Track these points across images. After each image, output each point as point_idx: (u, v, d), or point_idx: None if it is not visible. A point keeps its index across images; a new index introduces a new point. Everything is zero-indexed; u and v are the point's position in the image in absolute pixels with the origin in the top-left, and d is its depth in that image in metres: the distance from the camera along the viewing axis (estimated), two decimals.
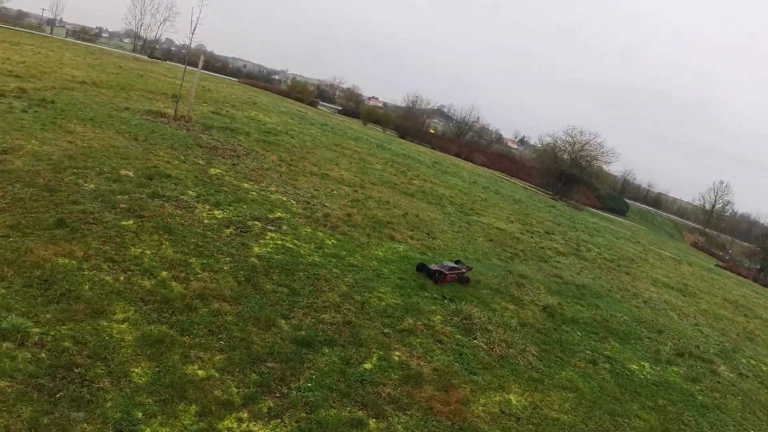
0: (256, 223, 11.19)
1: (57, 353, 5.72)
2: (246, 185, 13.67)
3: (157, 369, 6.01)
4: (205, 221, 10.42)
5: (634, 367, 10.57)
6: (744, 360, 13.87)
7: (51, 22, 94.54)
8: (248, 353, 6.83)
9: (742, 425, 9.72)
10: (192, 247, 9.12)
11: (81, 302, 6.67)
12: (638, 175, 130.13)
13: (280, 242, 10.58)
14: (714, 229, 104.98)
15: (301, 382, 6.62)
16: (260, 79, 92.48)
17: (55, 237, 7.96)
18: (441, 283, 11.08)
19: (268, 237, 10.65)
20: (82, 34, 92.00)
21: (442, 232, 16.23)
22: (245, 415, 5.79)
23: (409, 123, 75.47)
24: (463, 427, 6.74)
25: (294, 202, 13.56)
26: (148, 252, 8.45)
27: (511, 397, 7.81)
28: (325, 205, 14.28)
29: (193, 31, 21.30)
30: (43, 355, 5.65)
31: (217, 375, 6.25)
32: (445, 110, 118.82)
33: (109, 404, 5.30)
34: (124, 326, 6.53)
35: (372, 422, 6.29)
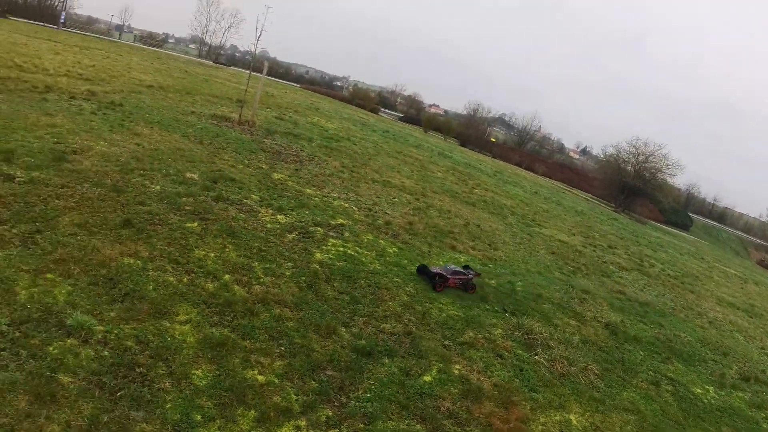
0: (318, 228, 11.05)
1: (119, 352, 5.71)
2: (308, 191, 13.61)
3: (217, 372, 5.93)
4: (268, 226, 10.36)
5: (698, 390, 9.94)
6: None
7: (119, 28, 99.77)
8: (308, 360, 6.68)
9: None
10: (255, 251, 9.06)
11: (145, 302, 6.66)
12: (703, 189, 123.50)
13: (341, 249, 10.40)
14: None
15: (360, 392, 6.44)
16: (322, 85, 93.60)
17: (121, 237, 8.04)
18: (440, 289, 10.05)
19: (330, 243, 10.49)
20: (149, 39, 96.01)
21: (503, 243, 15.68)
22: (303, 423, 5.65)
23: (470, 131, 74.51)
24: None
25: (356, 209, 13.38)
26: (212, 255, 8.42)
27: (572, 417, 7.46)
28: (386, 213, 14.04)
29: (258, 37, 21.63)
30: (106, 353, 5.63)
31: (276, 381, 6.13)
32: (507, 119, 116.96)
33: (168, 405, 5.24)
34: (186, 328, 6.48)
35: None
